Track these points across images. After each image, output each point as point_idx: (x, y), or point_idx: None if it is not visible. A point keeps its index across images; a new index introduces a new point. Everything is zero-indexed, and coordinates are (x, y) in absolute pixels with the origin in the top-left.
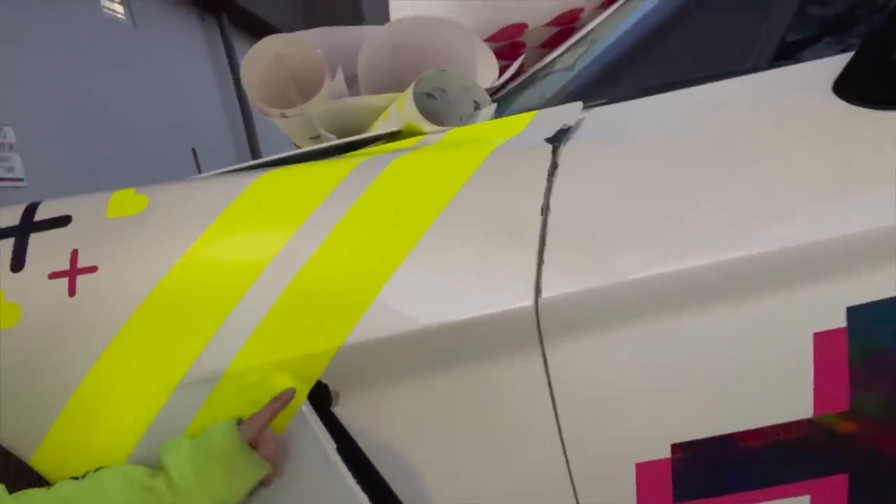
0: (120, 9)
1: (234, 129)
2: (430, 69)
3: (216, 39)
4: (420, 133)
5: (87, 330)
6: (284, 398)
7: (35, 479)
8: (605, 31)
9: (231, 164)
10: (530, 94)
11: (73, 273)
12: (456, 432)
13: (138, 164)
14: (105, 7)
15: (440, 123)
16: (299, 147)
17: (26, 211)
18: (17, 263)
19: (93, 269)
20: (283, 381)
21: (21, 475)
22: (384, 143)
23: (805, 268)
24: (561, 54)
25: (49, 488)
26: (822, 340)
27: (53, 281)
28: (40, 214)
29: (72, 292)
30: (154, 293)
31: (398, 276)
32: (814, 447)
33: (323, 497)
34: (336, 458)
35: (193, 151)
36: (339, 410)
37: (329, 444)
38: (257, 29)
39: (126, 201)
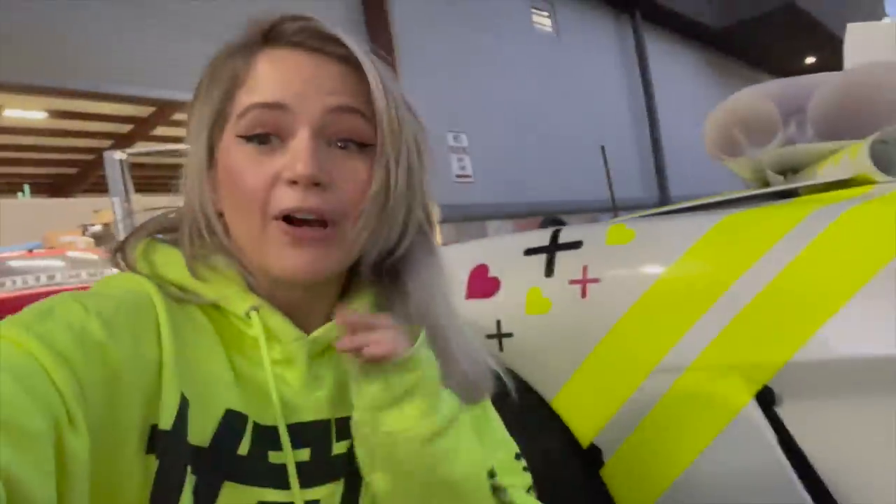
0: (548, 22)
1: (638, 126)
2: (886, 121)
3: (628, 37)
4: (872, 182)
5: (594, 321)
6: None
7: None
8: None
9: (632, 160)
10: None
11: (584, 282)
12: (887, 449)
13: (557, 161)
14: (535, 23)
15: (892, 171)
16: (745, 178)
17: (553, 235)
18: (549, 271)
19: (597, 280)
20: (733, 382)
21: (539, 409)
22: (835, 190)
23: None
24: None
25: None
26: None
27: (572, 286)
28: (562, 238)
29: (583, 294)
30: (642, 298)
31: (844, 311)
32: None
33: (763, 480)
34: (778, 449)
35: (602, 149)
36: (782, 411)
37: (771, 436)
38: (668, 21)
39: (620, 233)
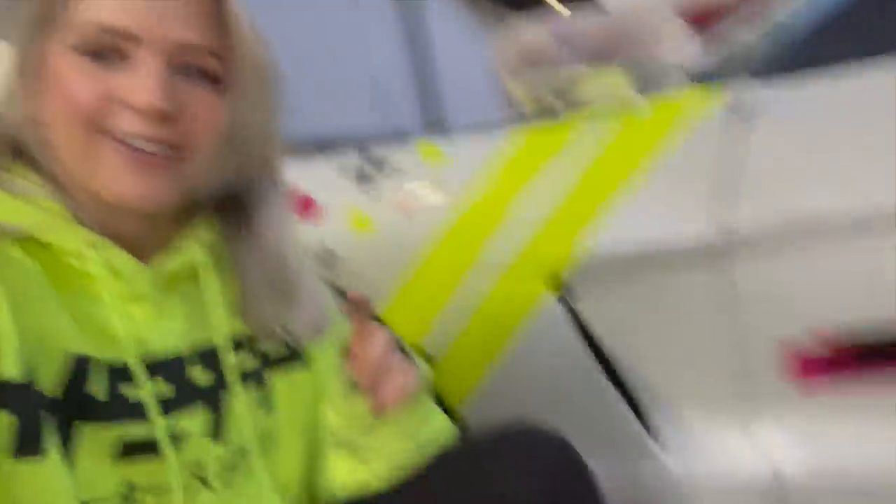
0: None
1: (413, 55)
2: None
3: None
4: (628, 102)
5: (413, 235)
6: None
7: None
8: None
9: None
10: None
11: (401, 199)
12: (656, 323)
13: (329, 92)
14: None
15: (641, 93)
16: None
17: (362, 154)
18: (365, 189)
19: (412, 195)
20: (535, 279)
21: None
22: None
23: None
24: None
25: None
26: None
27: (389, 203)
28: (373, 156)
29: (401, 210)
30: (453, 210)
31: (617, 208)
32: None
33: (567, 367)
34: (576, 338)
35: (372, 80)
36: (577, 301)
37: (570, 326)
38: None
39: (430, 151)
